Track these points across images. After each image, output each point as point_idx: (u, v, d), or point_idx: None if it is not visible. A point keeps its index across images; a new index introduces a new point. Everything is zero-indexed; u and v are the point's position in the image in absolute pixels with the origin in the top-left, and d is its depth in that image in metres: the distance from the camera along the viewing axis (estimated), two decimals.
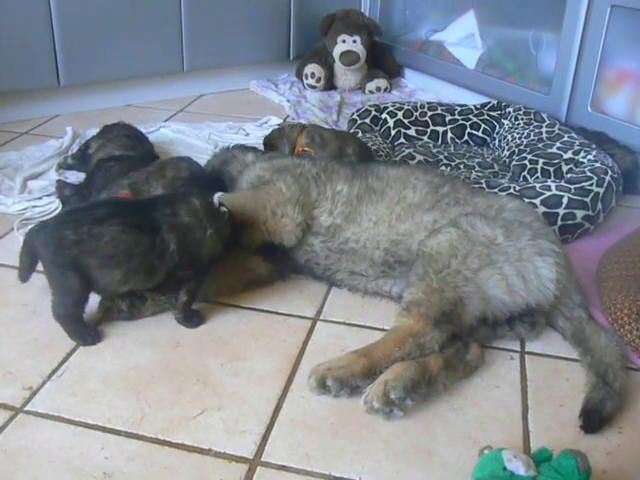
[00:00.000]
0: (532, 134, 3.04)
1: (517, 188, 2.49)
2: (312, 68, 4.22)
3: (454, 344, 1.81)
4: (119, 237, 1.79)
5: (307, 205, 2.13)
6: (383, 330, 1.94)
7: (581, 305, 1.98)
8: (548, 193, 2.44)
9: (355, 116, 3.35)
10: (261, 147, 2.80)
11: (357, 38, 4.21)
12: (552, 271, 1.89)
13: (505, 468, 1.37)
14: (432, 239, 1.93)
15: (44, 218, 2.49)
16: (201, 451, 1.54)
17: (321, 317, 2.05)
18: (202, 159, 2.98)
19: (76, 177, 2.82)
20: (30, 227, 1.99)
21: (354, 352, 1.78)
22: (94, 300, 1.93)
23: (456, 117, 3.33)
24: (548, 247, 1.92)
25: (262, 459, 1.53)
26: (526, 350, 1.93)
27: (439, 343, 1.79)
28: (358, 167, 2.24)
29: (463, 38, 4.01)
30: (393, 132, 3.28)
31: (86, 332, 1.89)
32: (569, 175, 2.65)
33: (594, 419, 1.64)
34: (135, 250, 1.81)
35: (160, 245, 1.83)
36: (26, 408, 1.65)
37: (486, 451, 1.45)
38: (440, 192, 2.10)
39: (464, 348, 1.83)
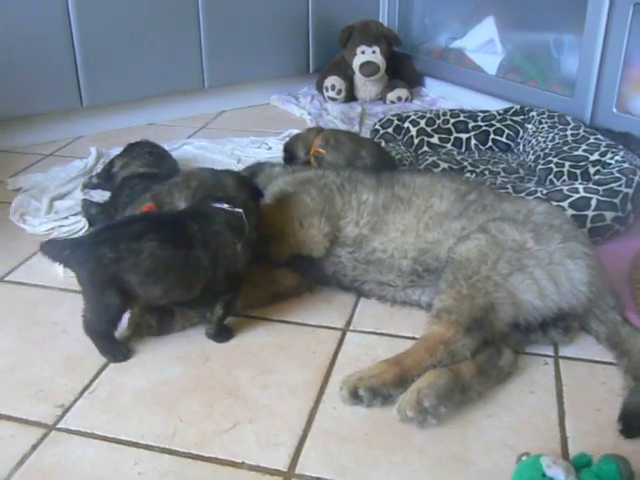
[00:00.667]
0: (557, 137, 3.01)
1: (544, 192, 2.46)
2: (332, 80, 4.22)
3: (486, 350, 1.79)
4: (157, 252, 1.78)
5: (333, 216, 2.12)
6: (414, 339, 1.92)
7: (615, 308, 1.94)
8: (576, 195, 2.40)
9: (377, 126, 3.34)
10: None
11: (376, 49, 4.21)
12: (584, 274, 1.86)
13: (544, 475, 1.34)
14: (461, 246, 1.91)
15: (71, 237, 2.52)
16: (234, 465, 1.53)
17: (351, 327, 2.03)
18: None
19: (101, 196, 2.83)
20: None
21: (385, 361, 1.76)
22: (123, 317, 1.93)
23: (479, 123, 3.31)
24: (579, 249, 1.89)
25: (296, 471, 1.51)
26: (560, 355, 1.90)
27: (471, 350, 1.76)
28: (383, 176, 2.22)
29: (483, 44, 3.98)
30: (416, 141, 3.26)
31: (117, 349, 1.89)
32: (597, 177, 2.61)
33: (634, 423, 1.60)
34: (173, 265, 1.80)
35: (194, 259, 1.83)
36: (58, 425, 1.65)
37: (524, 458, 1.42)
38: (467, 199, 2.08)
39: (497, 354, 1.80)
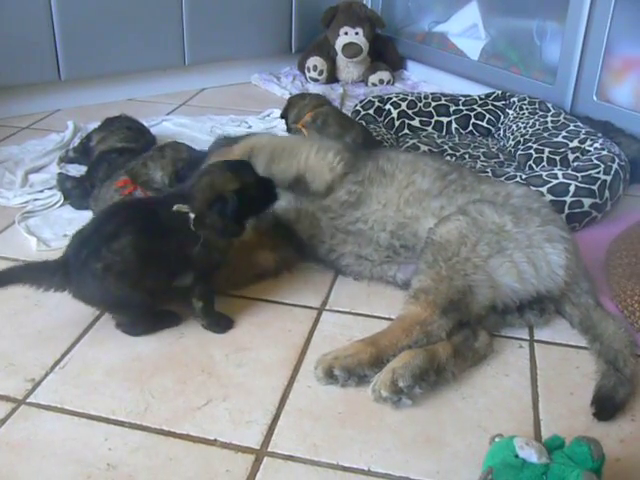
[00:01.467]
0: (537, 123, 3.01)
1: (523, 177, 2.46)
2: (314, 61, 4.19)
3: (462, 332, 1.79)
4: (138, 245, 1.72)
5: (346, 165, 2.14)
6: (389, 319, 1.91)
7: (589, 292, 1.95)
8: (555, 181, 2.41)
9: (359, 107, 3.32)
10: None
11: (359, 30, 4.18)
12: (562, 257, 1.86)
13: (517, 456, 1.34)
14: (441, 227, 1.91)
15: (45, 211, 2.49)
16: (207, 442, 1.52)
17: (327, 307, 2.02)
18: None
19: (77, 170, 2.80)
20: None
21: (361, 341, 1.76)
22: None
23: (460, 107, 3.30)
24: (557, 233, 1.90)
25: (269, 449, 1.50)
26: (535, 338, 1.90)
27: (446, 330, 1.76)
28: (372, 151, 2.25)
29: (466, 29, 3.97)
30: (397, 123, 3.25)
31: (171, 320, 1.90)
32: (576, 163, 2.62)
33: (607, 406, 1.61)
34: (154, 254, 1.75)
35: (168, 248, 1.78)
36: (28, 400, 1.62)
37: (497, 439, 1.42)
38: (448, 179, 2.07)
39: (472, 336, 1.80)
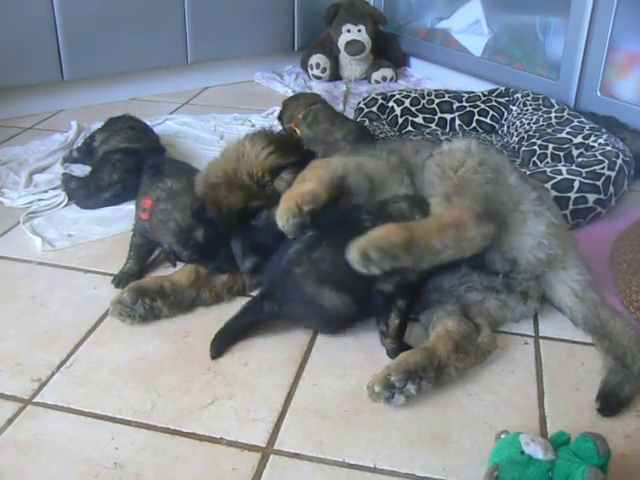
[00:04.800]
0: (541, 119, 3.01)
1: (527, 173, 2.45)
2: (317, 59, 4.19)
3: (464, 327, 1.78)
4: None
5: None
6: None
7: (592, 286, 1.93)
8: (559, 177, 2.40)
9: (362, 104, 3.32)
10: None
11: (362, 27, 4.17)
12: (544, 236, 1.88)
13: (523, 452, 1.34)
14: (443, 145, 1.96)
15: (50, 211, 2.49)
16: (213, 440, 1.52)
17: None
18: (208, 150, 2.99)
19: (81, 170, 2.80)
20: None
21: (394, 224, 1.71)
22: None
23: (464, 104, 3.29)
24: (547, 215, 1.91)
25: (275, 447, 1.50)
26: (540, 335, 1.90)
27: (478, 245, 1.74)
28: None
29: (469, 25, 3.96)
30: (400, 120, 3.24)
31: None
32: (580, 159, 2.61)
33: (612, 402, 1.61)
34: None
35: None
36: (35, 400, 1.63)
37: (503, 436, 1.42)
38: None
39: (475, 331, 1.80)
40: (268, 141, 2.01)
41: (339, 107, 3.68)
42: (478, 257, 1.81)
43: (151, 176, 2.23)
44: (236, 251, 1.95)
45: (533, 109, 3.11)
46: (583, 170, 2.45)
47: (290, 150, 2.03)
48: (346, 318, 1.79)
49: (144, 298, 1.91)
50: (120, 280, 2.06)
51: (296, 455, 1.49)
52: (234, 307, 1.94)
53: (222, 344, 1.80)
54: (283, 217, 1.78)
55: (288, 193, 1.84)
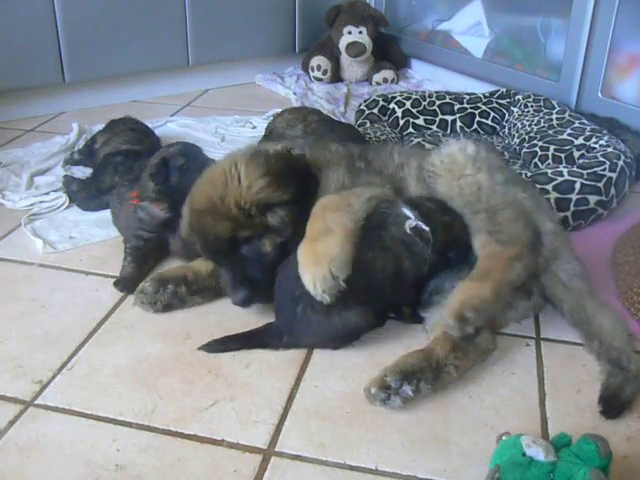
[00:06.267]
0: (542, 121, 3.01)
1: (529, 174, 2.45)
2: (318, 60, 4.19)
3: None
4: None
5: None
6: (395, 318, 1.92)
7: (581, 276, 1.92)
8: (560, 179, 2.40)
9: (363, 106, 3.32)
10: None
11: (363, 29, 4.18)
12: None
13: (524, 454, 1.34)
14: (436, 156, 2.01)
15: (51, 213, 2.49)
16: (214, 442, 1.52)
17: None
18: (209, 152, 2.97)
19: (83, 172, 2.81)
20: None
21: (469, 281, 1.75)
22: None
23: (465, 106, 3.29)
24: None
25: (276, 449, 1.50)
26: (542, 336, 1.90)
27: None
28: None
29: (470, 27, 3.96)
30: (401, 122, 3.24)
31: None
32: (581, 161, 2.61)
33: (614, 404, 1.61)
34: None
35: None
36: (36, 402, 1.63)
37: (504, 437, 1.42)
38: None
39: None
40: (265, 170, 1.86)
41: (340, 109, 3.69)
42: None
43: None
44: (226, 281, 1.90)
45: (534, 111, 3.11)
46: (584, 172, 2.45)
47: (290, 183, 1.86)
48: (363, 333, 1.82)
49: (167, 285, 1.94)
50: (121, 284, 2.08)
51: (297, 457, 1.49)
52: (234, 311, 1.94)
53: (222, 349, 1.80)
54: (317, 287, 1.67)
55: (313, 252, 1.72)
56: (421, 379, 1.63)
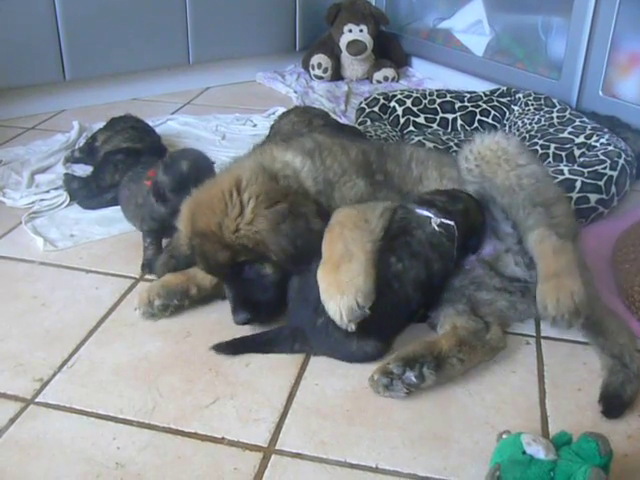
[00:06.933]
0: (543, 119, 3.00)
1: None
2: (319, 59, 4.19)
3: (474, 325, 1.78)
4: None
5: None
6: None
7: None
8: (561, 177, 2.40)
9: (363, 105, 3.32)
10: None
11: (364, 27, 4.18)
12: None
13: (524, 452, 1.34)
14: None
15: (52, 211, 2.49)
16: (214, 440, 1.52)
17: None
18: (210, 150, 2.98)
19: (83, 170, 2.81)
20: None
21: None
22: None
23: (465, 104, 3.29)
24: None
25: (276, 447, 1.51)
26: (542, 335, 1.90)
27: None
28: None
29: (471, 25, 3.96)
30: (402, 120, 3.24)
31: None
32: (582, 159, 2.61)
33: (615, 403, 1.61)
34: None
35: None
36: (37, 399, 1.63)
37: (505, 436, 1.42)
38: None
39: (484, 328, 1.79)
40: (270, 214, 1.78)
41: (341, 107, 3.68)
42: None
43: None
44: (229, 299, 1.87)
45: (535, 109, 3.11)
46: (585, 170, 2.45)
47: (294, 228, 1.78)
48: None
49: (172, 300, 1.93)
50: (149, 266, 2.12)
51: (298, 455, 1.49)
52: None
53: (233, 352, 1.79)
54: (344, 318, 1.63)
55: (337, 281, 1.66)
56: (423, 364, 1.64)
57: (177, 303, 1.94)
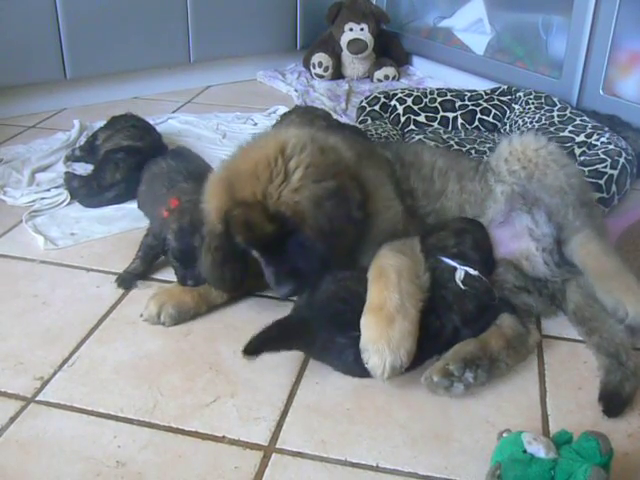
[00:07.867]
0: (543, 118, 3.01)
1: None
2: (319, 57, 4.18)
3: (516, 328, 1.78)
4: None
5: None
6: None
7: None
8: None
9: (364, 103, 3.32)
10: None
11: (364, 26, 4.17)
12: None
13: (525, 451, 1.34)
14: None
15: (52, 210, 2.49)
16: (215, 439, 1.52)
17: None
18: (211, 149, 2.99)
19: (84, 169, 2.81)
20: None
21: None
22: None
23: (466, 103, 3.28)
24: None
25: (277, 446, 1.50)
26: (543, 334, 1.90)
27: None
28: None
29: (472, 24, 3.96)
30: (403, 119, 3.24)
31: None
32: (582, 158, 2.61)
33: (615, 402, 1.61)
34: None
35: None
36: (37, 398, 1.63)
37: (505, 434, 1.42)
38: None
39: (526, 333, 1.80)
40: (321, 177, 1.70)
41: (341, 105, 3.68)
42: None
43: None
44: (268, 275, 1.79)
45: (535, 108, 3.11)
46: (585, 169, 2.45)
47: (342, 203, 1.72)
48: None
49: (182, 319, 1.91)
50: (124, 280, 2.06)
51: (298, 454, 1.49)
52: (236, 307, 1.96)
53: (265, 349, 1.69)
54: (384, 374, 1.58)
55: (388, 337, 1.59)
56: (479, 366, 1.65)
57: (187, 319, 1.92)
